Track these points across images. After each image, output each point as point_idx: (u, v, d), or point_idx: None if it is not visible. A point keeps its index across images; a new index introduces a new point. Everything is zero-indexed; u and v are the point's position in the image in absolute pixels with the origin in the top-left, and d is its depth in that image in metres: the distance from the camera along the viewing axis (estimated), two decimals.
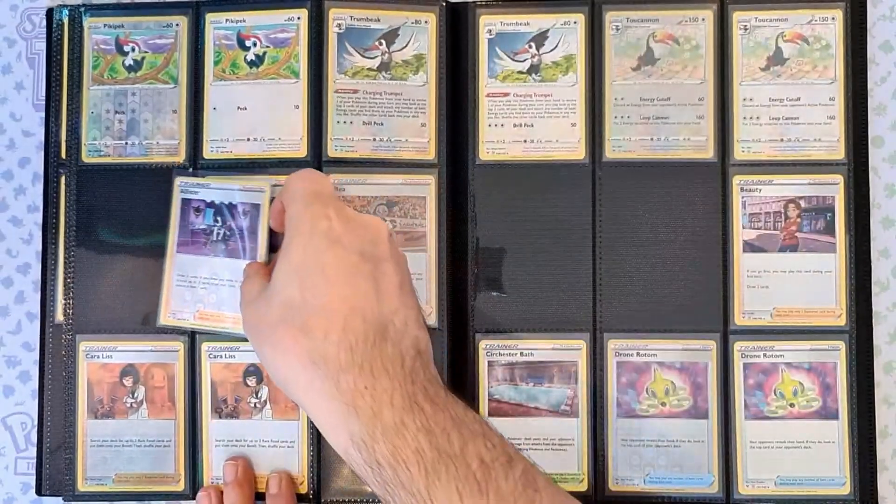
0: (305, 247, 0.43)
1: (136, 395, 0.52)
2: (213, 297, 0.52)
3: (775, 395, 0.51)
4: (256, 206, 0.51)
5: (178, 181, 0.52)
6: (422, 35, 0.53)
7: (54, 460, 0.52)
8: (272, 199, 0.51)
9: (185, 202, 0.52)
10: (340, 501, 0.51)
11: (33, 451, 0.54)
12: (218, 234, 0.52)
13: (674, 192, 0.52)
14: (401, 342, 0.42)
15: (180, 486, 0.52)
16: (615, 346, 0.52)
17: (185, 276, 0.52)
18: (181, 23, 0.54)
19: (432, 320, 0.52)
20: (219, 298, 0.51)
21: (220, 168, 0.53)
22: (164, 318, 0.52)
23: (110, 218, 0.53)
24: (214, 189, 0.52)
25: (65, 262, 0.53)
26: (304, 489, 0.51)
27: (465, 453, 0.39)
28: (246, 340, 0.49)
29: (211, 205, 0.52)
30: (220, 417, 0.52)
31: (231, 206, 0.52)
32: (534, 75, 0.53)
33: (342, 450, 0.41)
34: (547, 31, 0.53)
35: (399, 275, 0.44)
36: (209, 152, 0.53)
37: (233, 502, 0.50)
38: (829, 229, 0.52)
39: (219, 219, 0.52)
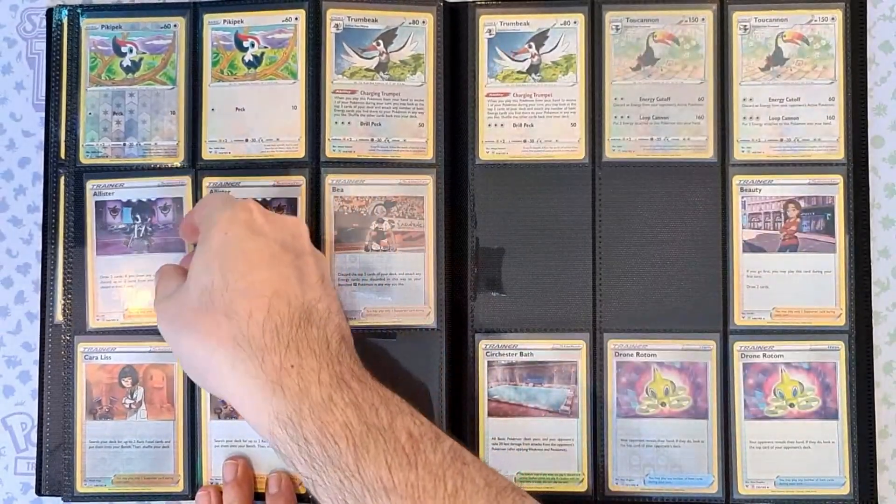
0: (226, 233, 0.43)
1: (134, 395, 0.52)
2: (141, 295, 0.52)
3: (775, 395, 0.51)
4: (178, 200, 0.52)
5: (90, 184, 0.53)
6: (419, 35, 0.53)
7: (53, 461, 0.52)
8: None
9: (100, 204, 0.52)
10: None
11: (33, 451, 0.54)
12: (139, 231, 0.52)
13: (674, 192, 0.52)
14: (325, 326, 0.42)
15: (179, 487, 0.52)
16: (615, 347, 0.51)
17: (109, 278, 0.52)
18: (179, 24, 0.53)
19: (431, 320, 0.51)
20: (147, 295, 0.52)
21: (221, 168, 0.53)
22: (93, 322, 0.52)
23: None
24: (129, 188, 0.52)
25: (64, 262, 0.53)
26: (303, 489, 0.51)
27: (394, 427, 0.39)
28: None
29: (128, 204, 0.52)
30: (220, 418, 0.52)
31: (150, 203, 0.52)
32: (534, 75, 0.53)
33: (265, 430, 0.40)
34: (547, 30, 0.53)
35: (320, 268, 0.45)
36: (208, 153, 0.53)
37: (232, 502, 0.50)
38: (829, 229, 0.51)
39: (138, 217, 0.52)
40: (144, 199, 0.53)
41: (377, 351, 0.51)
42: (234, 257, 0.42)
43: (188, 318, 0.42)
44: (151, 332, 0.52)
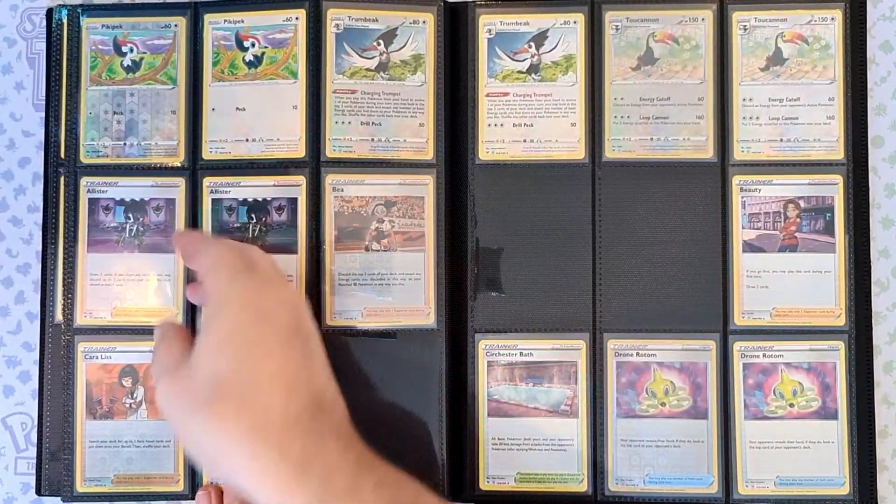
0: (235, 320, 0.42)
1: (135, 395, 0.52)
2: (130, 294, 0.52)
3: (775, 395, 0.51)
4: (171, 201, 0.52)
5: (84, 181, 0.53)
6: (420, 35, 0.53)
7: (53, 461, 0.52)
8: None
9: (93, 201, 0.53)
10: None
11: (33, 451, 0.54)
12: (130, 230, 0.52)
13: (673, 192, 0.52)
14: (334, 411, 0.43)
15: (179, 487, 0.52)
16: (615, 346, 0.52)
17: (99, 275, 0.52)
18: (180, 23, 0.54)
19: (431, 320, 0.52)
20: (135, 294, 0.52)
21: (221, 168, 0.53)
22: (80, 318, 0.52)
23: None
24: (123, 187, 0.53)
25: (64, 262, 0.53)
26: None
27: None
28: None
29: (121, 202, 0.53)
30: None
31: (143, 203, 0.52)
32: (533, 75, 0.53)
33: None
34: (547, 30, 0.53)
35: (320, 350, 0.45)
36: (208, 153, 0.53)
37: (233, 500, 0.50)
38: (829, 229, 0.51)
39: (130, 216, 0.52)
40: (137, 199, 0.53)
41: (377, 351, 0.51)
42: (244, 346, 0.41)
43: (199, 403, 0.41)
44: (149, 332, 0.51)
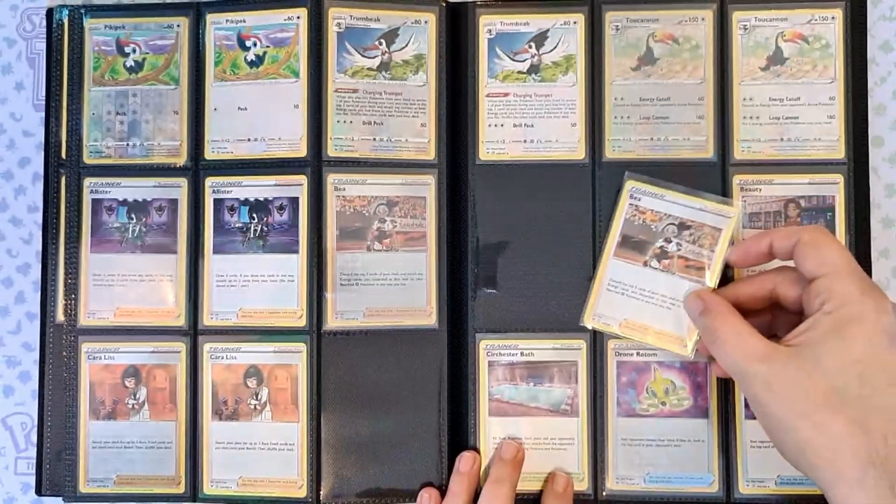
0: (870, 339, 0.42)
1: (137, 396, 0.54)
2: (132, 294, 0.54)
3: None
4: (174, 202, 0.54)
5: (87, 182, 0.54)
6: (421, 35, 0.54)
7: (55, 461, 0.54)
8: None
9: (97, 202, 0.54)
10: None
11: (33, 452, 0.56)
12: (133, 231, 0.54)
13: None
14: None
15: (181, 489, 0.53)
16: (615, 346, 0.53)
17: (101, 276, 0.54)
18: (182, 24, 0.55)
19: (433, 321, 0.53)
20: (138, 294, 0.53)
21: (223, 168, 0.54)
22: (83, 319, 0.54)
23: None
24: (126, 187, 0.54)
25: (65, 263, 0.54)
26: (302, 493, 0.52)
27: None
28: (247, 336, 0.51)
29: (124, 203, 0.54)
30: (221, 419, 0.53)
31: (146, 203, 0.54)
32: (534, 75, 0.54)
33: None
34: (547, 31, 0.54)
35: None
36: (210, 153, 0.54)
37: (460, 492, 0.51)
38: (830, 228, 0.52)
39: (133, 216, 0.54)
40: (140, 199, 0.54)
41: (379, 351, 0.53)
42: (874, 369, 0.42)
43: (810, 410, 0.42)
44: (152, 333, 0.54)
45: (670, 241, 0.51)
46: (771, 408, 0.43)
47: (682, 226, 0.51)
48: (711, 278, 0.51)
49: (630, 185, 0.52)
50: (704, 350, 0.50)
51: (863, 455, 0.41)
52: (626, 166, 0.53)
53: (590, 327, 0.52)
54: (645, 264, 0.52)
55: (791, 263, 0.47)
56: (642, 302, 0.52)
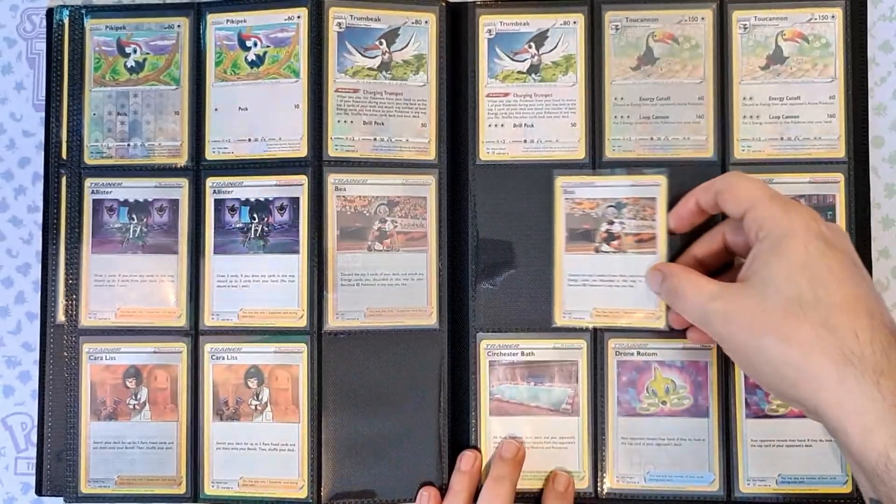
0: (806, 247, 0.43)
1: (138, 396, 0.54)
2: (133, 294, 0.54)
3: None
4: (174, 202, 0.54)
5: (88, 182, 0.55)
6: (422, 35, 0.54)
7: (56, 461, 0.54)
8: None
9: (98, 202, 0.54)
10: None
11: (33, 452, 0.56)
12: (134, 231, 0.54)
13: (674, 192, 0.52)
14: None
15: (182, 489, 0.53)
16: (616, 346, 0.53)
17: (103, 276, 0.54)
18: (182, 24, 0.55)
19: (433, 321, 0.53)
20: (139, 295, 0.54)
21: (224, 168, 0.54)
22: (85, 319, 0.54)
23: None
24: (127, 188, 0.54)
25: (66, 263, 0.54)
26: (303, 493, 0.52)
27: None
28: (248, 336, 0.51)
29: (125, 203, 0.54)
30: (222, 420, 0.53)
31: (147, 203, 0.54)
32: (533, 75, 0.54)
33: (876, 452, 0.39)
34: (546, 30, 0.54)
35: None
36: (211, 153, 0.54)
37: (461, 491, 0.51)
38: None
39: (134, 217, 0.54)
40: (141, 200, 0.55)
41: (379, 351, 0.53)
42: (820, 272, 0.43)
43: (773, 324, 0.42)
44: (153, 333, 0.54)
45: (613, 223, 0.53)
46: (737, 338, 0.44)
47: (620, 205, 0.53)
48: (661, 246, 0.52)
49: (560, 182, 0.53)
50: (676, 320, 0.51)
51: (836, 355, 0.41)
52: (627, 166, 0.53)
53: (581, 326, 0.53)
54: (596, 251, 0.53)
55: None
56: (605, 287, 0.53)
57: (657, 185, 0.52)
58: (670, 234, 0.52)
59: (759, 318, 0.43)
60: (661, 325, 0.52)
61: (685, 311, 0.48)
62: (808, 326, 0.42)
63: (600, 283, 0.53)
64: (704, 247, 0.51)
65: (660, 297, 0.51)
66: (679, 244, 0.52)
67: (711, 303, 0.45)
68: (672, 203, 0.52)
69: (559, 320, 0.53)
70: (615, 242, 0.53)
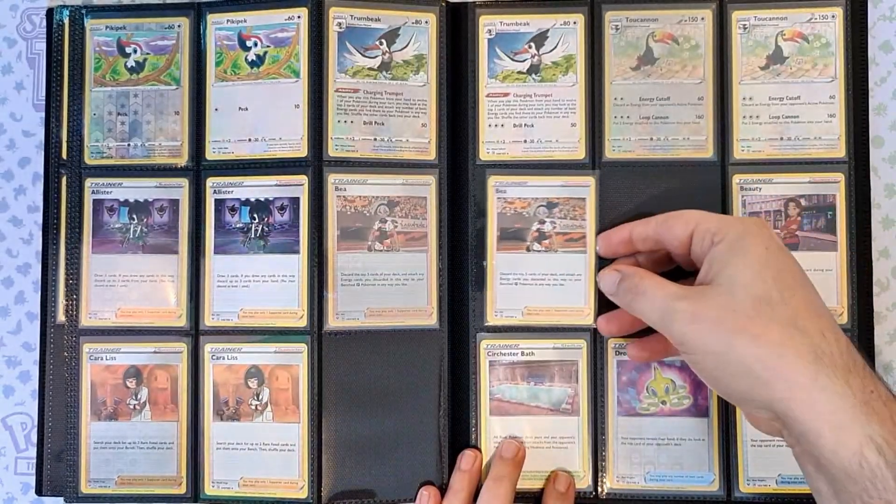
0: (763, 249, 0.44)
1: (139, 396, 0.54)
2: (134, 294, 0.54)
3: None
4: (175, 202, 0.54)
5: (88, 182, 0.55)
6: (422, 35, 0.54)
7: (56, 461, 0.54)
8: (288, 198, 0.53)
9: (98, 202, 0.55)
10: None
11: (33, 452, 0.56)
12: (134, 231, 0.54)
13: (673, 192, 0.53)
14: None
15: (182, 489, 0.54)
16: (616, 345, 0.53)
17: (103, 276, 0.54)
18: (183, 24, 0.55)
19: (433, 321, 0.54)
20: (140, 295, 0.54)
21: (224, 168, 0.54)
22: (85, 319, 0.54)
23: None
24: (128, 188, 0.55)
25: (67, 263, 0.55)
26: (303, 493, 0.52)
27: None
28: (248, 336, 0.51)
29: (125, 203, 0.55)
30: (222, 420, 0.53)
31: (147, 203, 0.54)
32: (533, 75, 0.54)
33: (851, 451, 0.39)
34: (546, 31, 0.55)
35: None
36: (211, 153, 0.55)
37: (460, 489, 0.52)
38: (830, 227, 0.53)
39: (134, 217, 0.54)
40: (142, 200, 0.55)
41: (379, 351, 0.53)
42: (782, 272, 0.43)
43: (742, 323, 0.42)
44: (153, 333, 0.54)
45: (544, 222, 0.53)
46: (703, 338, 0.43)
47: (551, 204, 0.53)
48: (591, 246, 0.53)
49: (493, 182, 0.54)
50: (607, 328, 0.52)
51: (808, 354, 0.41)
52: (626, 166, 0.54)
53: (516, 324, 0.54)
54: (528, 250, 0.54)
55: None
56: (536, 286, 0.54)
57: (587, 186, 0.53)
58: (599, 257, 0.53)
59: (729, 316, 0.42)
60: (589, 321, 0.53)
61: (645, 311, 0.47)
62: (778, 326, 0.42)
63: (531, 281, 0.53)
64: (644, 247, 0.51)
65: (613, 297, 0.50)
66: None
67: (677, 301, 0.44)
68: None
69: (491, 319, 0.53)
70: (546, 241, 0.53)
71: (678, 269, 0.51)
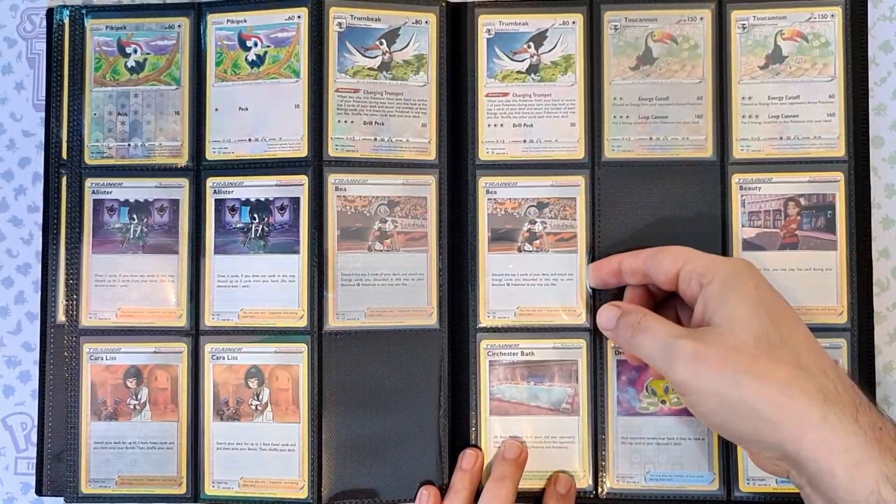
0: (756, 286, 0.44)
1: (139, 396, 0.54)
2: (134, 295, 0.55)
3: None
4: (175, 202, 0.54)
5: (89, 182, 0.55)
6: (422, 35, 0.55)
7: (56, 461, 0.54)
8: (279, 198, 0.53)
9: (98, 202, 0.55)
10: None
11: (33, 452, 0.56)
12: (135, 231, 0.55)
13: (673, 192, 0.53)
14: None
15: (182, 489, 0.54)
16: (615, 345, 0.53)
17: (103, 276, 0.55)
18: (183, 24, 0.56)
19: (434, 321, 0.54)
20: (140, 295, 0.54)
21: (224, 168, 0.55)
22: (85, 319, 0.55)
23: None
24: (128, 188, 0.55)
25: (67, 263, 0.55)
26: (304, 494, 0.53)
27: None
28: (249, 336, 0.51)
29: (125, 203, 0.55)
30: (222, 420, 0.54)
31: (147, 203, 0.55)
32: (533, 75, 0.55)
33: (867, 489, 0.39)
34: (546, 30, 0.55)
35: None
36: (211, 153, 0.55)
37: (461, 490, 0.52)
38: (830, 227, 0.53)
39: (134, 217, 0.55)
40: (142, 200, 0.55)
41: (380, 351, 0.53)
42: (776, 311, 0.43)
43: (746, 362, 0.42)
44: (153, 333, 0.54)
45: (535, 222, 0.54)
46: (706, 377, 0.43)
47: (541, 205, 0.54)
48: (582, 245, 0.53)
49: (483, 182, 0.54)
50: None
51: (815, 393, 0.41)
52: (626, 166, 0.54)
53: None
54: (519, 250, 0.54)
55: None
56: (528, 286, 0.54)
57: (577, 186, 0.53)
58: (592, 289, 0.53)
59: (732, 356, 0.42)
60: (583, 321, 0.53)
61: (645, 346, 0.46)
62: (783, 366, 0.42)
63: (523, 282, 0.54)
64: (633, 282, 0.51)
65: (610, 332, 0.50)
66: (603, 245, 0.54)
67: (679, 339, 0.44)
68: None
69: (484, 320, 0.54)
70: (537, 242, 0.54)
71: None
